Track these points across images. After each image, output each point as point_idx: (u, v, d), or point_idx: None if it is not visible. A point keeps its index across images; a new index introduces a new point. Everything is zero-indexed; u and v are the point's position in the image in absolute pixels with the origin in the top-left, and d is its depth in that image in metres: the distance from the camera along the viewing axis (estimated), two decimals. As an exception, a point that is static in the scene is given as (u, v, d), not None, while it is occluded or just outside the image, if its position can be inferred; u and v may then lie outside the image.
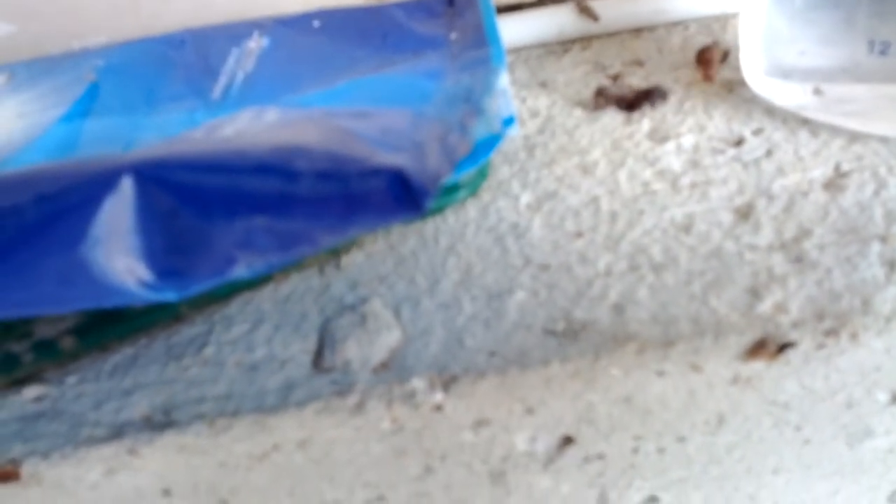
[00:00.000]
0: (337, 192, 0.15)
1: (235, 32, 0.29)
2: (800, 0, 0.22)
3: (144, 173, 0.15)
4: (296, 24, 0.29)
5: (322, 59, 0.27)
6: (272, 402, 0.19)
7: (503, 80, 0.21)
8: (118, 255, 0.15)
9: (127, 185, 0.15)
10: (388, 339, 0.20)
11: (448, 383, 0.19)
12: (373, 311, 0.21)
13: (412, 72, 0.24)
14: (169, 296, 0.15)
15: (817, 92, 0.23)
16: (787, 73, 0.24)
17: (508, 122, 0.21)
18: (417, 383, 0.19)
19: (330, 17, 0.29)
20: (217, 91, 0.25)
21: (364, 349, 0.20)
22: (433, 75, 0.24)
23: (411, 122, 0.18)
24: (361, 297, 0.21)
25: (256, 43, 0.28)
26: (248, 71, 0.26)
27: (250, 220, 0.15)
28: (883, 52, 0.21)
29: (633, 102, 0.25)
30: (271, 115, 0.19)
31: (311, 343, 0.20)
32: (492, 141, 0.20)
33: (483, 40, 0.25)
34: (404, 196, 0.15)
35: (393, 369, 0.19)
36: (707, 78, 0.25)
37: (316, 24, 0.29)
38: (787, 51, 0.23)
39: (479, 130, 0.17)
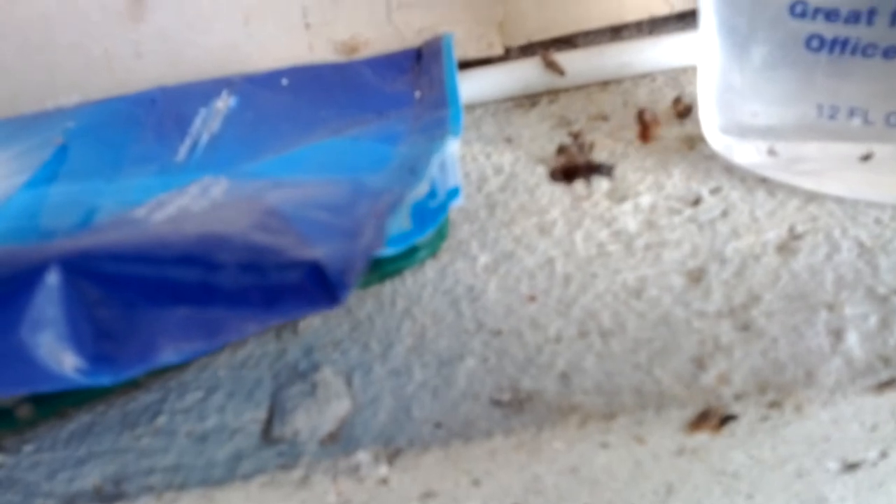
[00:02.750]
0: (256, 284, 0.15)
1: (206, 90, 0.29)
2: (758, 59, 0.22)
3: (70, 264, 0.15)
4: (264, 81, 0.29)
5: (287, 119, 0.27)
6: (219, 475, 0.19)
7: (450, 149, 0.21)
8: (52, 343, 0.15)
9: (54, 277, 0.15)
10: (338, 408, 0.20)
11: (393, 456, 0.19)
12: (324, 379, 0.21)
13: (374, 135, 0.24)
14: (104, 380, 0.16)
15: (771, 152, 0.23)
16: (742, 132, 0.24)
17: (453, 193, 0.21)
18: (363, 457, 0.19)
19: (298, 75, 0.29)
20: (182, 153, 0.26)
21: (313, 419, 0.20)
22: (392, 139, 0.24)
23: (354, 197, 0.19)
24: (314, 364, 0.21)
25: (224, 102, 0.28)
26: (214, 132, 0.26)
27: (174, 309, 0.15)
28: (832, 117, 0.21)
29: (573, 173, 0.25)
30: (218, 189, 0.20)
31: (262, 412, 0.21)
32: (406, 236, 0.20)
33: (444, 100, 0.25)
34: (321, 289, 0.15)
35: (340, 441, 0.19)
36: (643, 138, 0.25)
37: (284, 81, 0.29)
38: (742, 109, 0.23)
39: (391, 225, 0.17)
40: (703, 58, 0.24)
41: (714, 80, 0.24)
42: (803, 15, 0.20)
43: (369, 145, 0.23)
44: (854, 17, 0.20)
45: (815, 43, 0.20)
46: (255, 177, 0.21)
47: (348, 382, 0.21)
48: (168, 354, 0.15)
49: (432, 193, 0.20)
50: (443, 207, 0.20)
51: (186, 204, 0.19)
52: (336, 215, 0.17)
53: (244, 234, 0.16)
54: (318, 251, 0.15)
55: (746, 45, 0.22)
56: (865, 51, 0.20)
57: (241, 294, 0.15)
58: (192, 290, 0.15)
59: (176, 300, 0.15)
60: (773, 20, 0.21)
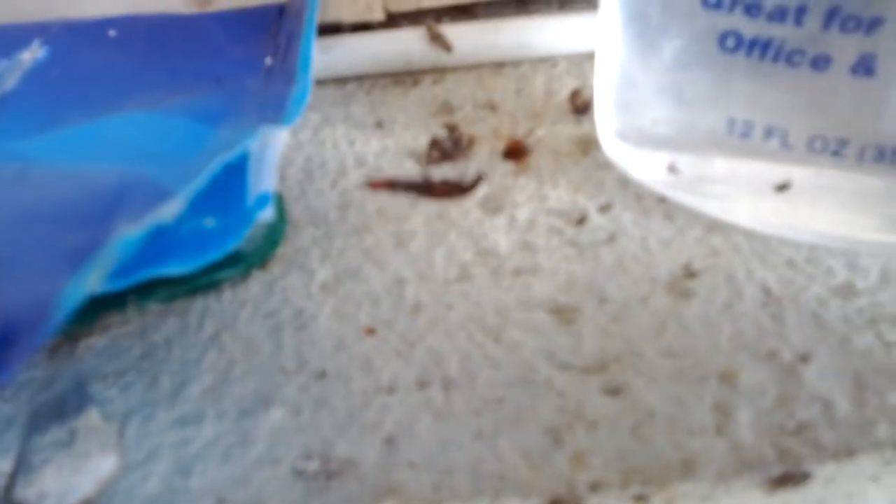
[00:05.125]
0: None
1: (14, 37, 0.24)
2: (664, 54, 0.18)
3: None
4: (87, 31, 0.24)
5: (102, 81, 0.22)
6: (-77, 555, 0.15)
7: (272, 142, 0.16)
8: None
9: None
10: (101, 466, 0.16)
11: (152, 542, 0.15)
12: (89, 425, 0.17)
13: (194, 110, 0.20)
14: None
15: (672, 168, 0.19)
16: (640, 141, 0.20)
17: (262, 201, 0.16)
18: (113, 540, 0.15)
19: (130, 26, 0.24)
20: (-42, 116, 0.20)
21: (65, 480, 0.16)
22: (215, 117, 0.19)
23: (116, 201, 0.14)
24: (83, 402, 0.17)
25: (32, 53, 0.23)
26: (6, 91, 0.21)
27: None
28: (745, 135, 0.17)
29: (427, 189, 0.20)
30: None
31: (7, 463, 0.16)
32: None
33: (292, 74, 0.21)
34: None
35: (94, 512, 0.15)
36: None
37: (112, 33, 0.24)
38: (642, 114, 0.19)
39: (82, 282, 0.12)
40: (601, 45, 0.20)
41: (612, 74, 0.20)
42: (718, 6, 0.16)
43: (183, 124, 0.19)
44: (780, 15, 0.16)
45: (730, 42, 0.16)
46: (12, 158, 0.16)
47: (121, 432, 0.16)
48: None
49: (230, 204, 0.15)
50: (246, 220, 0.16)
51: None
52: (73, 229, 0.13)
53: None
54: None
55: (651, 36, 0.18)
56: (790, 57, 0.16)
57: None
58: None
59: None
60: (682, 10, 0.17)
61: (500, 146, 0.22)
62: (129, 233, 0.12)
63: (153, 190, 0.14)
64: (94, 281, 0.11)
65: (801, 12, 0.15)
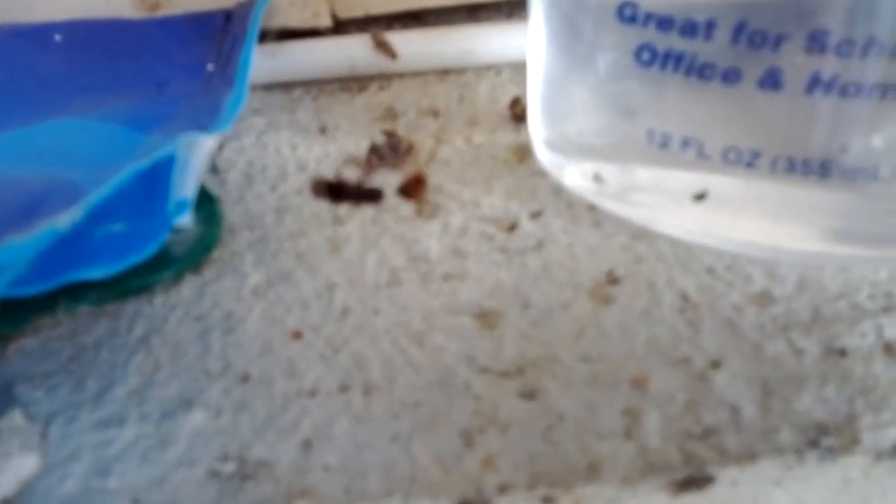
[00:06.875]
0: None
1: (-41, 41, 0.24)
2: (583, 67, 0.19)
3: None
4: (33, 36, 0.24)
5: (45, 85, 0.22)
6: None
7: (197, 149, 0.17)
8: None
9: None
10: (21, 466, 0.16)
11: (66, 542, 0.15)
12: (12, 426, 0.17)
13: (129, 116, 0.20)
14: None
15: (597, 178, 0.19)
16: (567, 150, 0.20)
17: (181, 206, 0.16)
18: (27, 540, 0.15)
19: (76, 31, 0.24)
20: None
21: (-15, 480, 0.16)
22: (148, 123, 0.19)
23: (34, 205, 0.14)
24: (9, 404, 0.17)
25: (-24, 58, 0.23)
26: (-52, 94, 0.21)
27: None
28: (663, 145, 0.18)
29: (340, 193, 0.21)
30: None
31: (-72, 464, 0.16)
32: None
33: (231, 80, 0.21)
34: None
35: (12, 511, 0.15)
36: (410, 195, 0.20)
37: (58, 38, 0.24)
38: (568, 124, 0.20)
39: None
40: (530, 56, 0.20)
41: (539, 84, 0.20)
42: (633, 20, 0.17)
43: (117, 129, 0.19)
44: (690, 29, 0.16)
45: (645, 55, 0.17)
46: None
47: (44, 433, 0.17)
48: None
49: (140, 212, 0.16)
50: (165, 225, 0.16)
51: None
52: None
53: None
54: None
55: (572, 49, 0.19)
56: (702, 71, 0.16)
57: None
58: None
59: None
60: (602, 23, 0.17)
61: (440, 153, 0.23)
62: (11, 241, 0.12)
63: (75, 196, 0.15)
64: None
65: (710, 27, 0.16)
